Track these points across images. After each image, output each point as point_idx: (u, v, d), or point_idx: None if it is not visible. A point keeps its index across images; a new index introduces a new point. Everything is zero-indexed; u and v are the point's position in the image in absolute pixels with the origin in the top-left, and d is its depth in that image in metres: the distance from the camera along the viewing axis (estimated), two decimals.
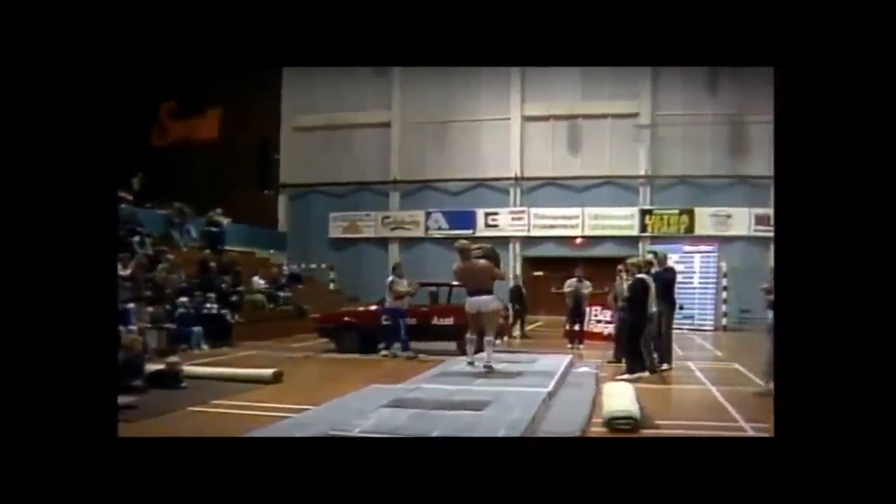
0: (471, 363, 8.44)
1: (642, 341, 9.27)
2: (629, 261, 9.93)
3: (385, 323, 12.06)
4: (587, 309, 14.47)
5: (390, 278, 12.34)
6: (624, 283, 10.21)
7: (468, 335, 8.67)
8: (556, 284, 16.32)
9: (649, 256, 10.68)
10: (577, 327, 14.19)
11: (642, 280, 9.29)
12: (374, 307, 13.45)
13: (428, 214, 24.33)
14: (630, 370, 9.13)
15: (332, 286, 23.70)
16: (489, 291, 8.45)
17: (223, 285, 15.64)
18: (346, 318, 13.37)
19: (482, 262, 8.56)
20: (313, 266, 23.65)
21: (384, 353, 11.78)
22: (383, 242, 24.86)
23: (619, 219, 22.76)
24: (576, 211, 23.04)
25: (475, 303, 8.40)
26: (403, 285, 12.13)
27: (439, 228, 24.14)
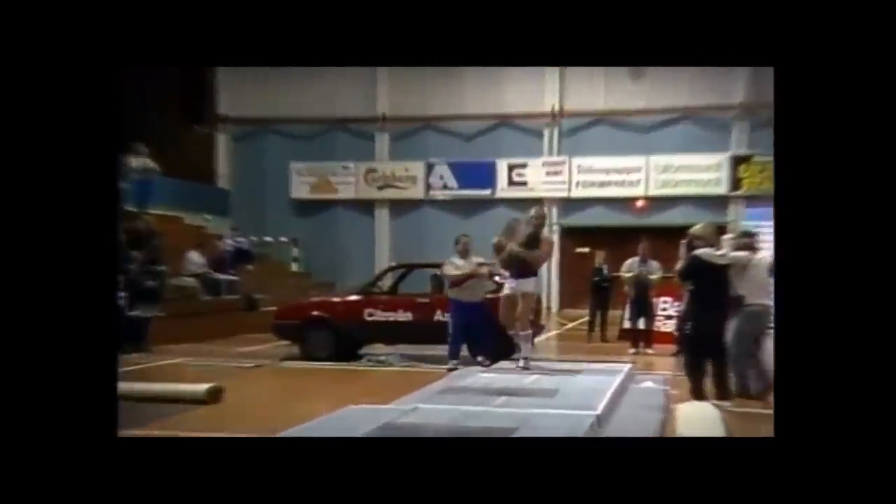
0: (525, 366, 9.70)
1: (730, 355, 9.04)
2: (693, 230, 9.54)
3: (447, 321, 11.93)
4: (654, 300, 14.58)
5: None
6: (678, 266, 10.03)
7: (521, 332, 9.94)
8: (610, 266, 16.08)
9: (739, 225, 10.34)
10: (640, 325, 14.52)
11: (696, 260, 8.97)
12: (355, 297, 13.84)
13: (430, 167, 24.61)
14: (720, 396, 8.83)
15: (294, 267, 24.21)
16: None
17: (133, 265, 15.53)
18: (316, 313, 13.64)
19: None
20: (268, 239, 23.65)
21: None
22: (367, 206, 24.96)
23: (700, 171, 22.77)
24: (638, 161, 23.18)
25: (528, 284, 10.06)
26: (456, 266, 11.81)
27: (445, 187, 24.39)
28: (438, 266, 13.01)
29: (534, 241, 9.94)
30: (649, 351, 14.00)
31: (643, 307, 14.49)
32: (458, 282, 11.76)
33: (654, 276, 14.43)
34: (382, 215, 25.16)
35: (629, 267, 14.59)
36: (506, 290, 10.04)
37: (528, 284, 9.91)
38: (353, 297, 13.92)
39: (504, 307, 9.96)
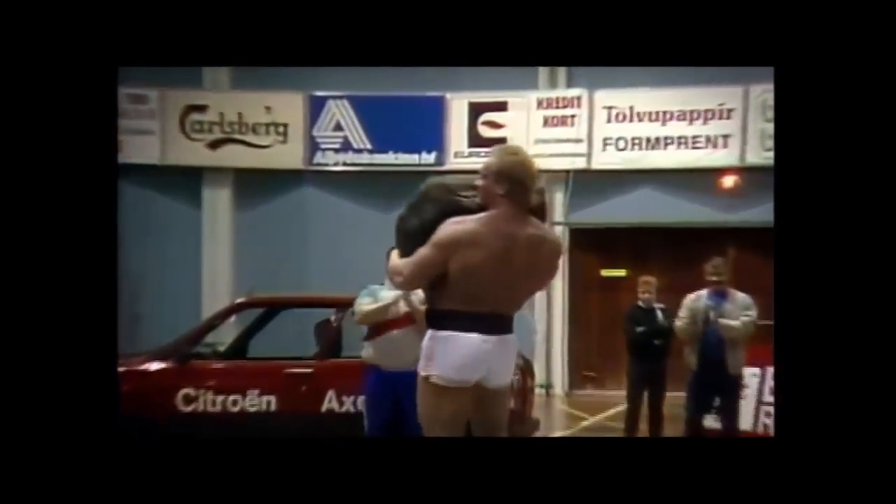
0: None
1: None
2: None
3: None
4: (743, 371, 9.95)
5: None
6: None
7: None
8: (668, 305, 10.85)
9: None
10: (713, 419, 10.49)
11: None
12: (159, 363, 9.90)
13: (319, 105, 16.56)
14: None
15: None
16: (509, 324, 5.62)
17: None
18: None
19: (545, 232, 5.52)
20: None
21: None
22: (189, 181, 17.01)
23: None
24: (725, 95, 15.21)
25: (486, 356, 5.04)
26: (380, 300, 8.38)
27: (347, 147, 16.35)
28: (332, 305, 9.85)
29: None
30: None
31: (719, 383, 9.68)
32: (383, 328, 8.20)
33: (735, 324, 9.36)
34: (218, 200, 16.86)
35: (691, 307, 9.73)
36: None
37: (505, 352, 5.22)
38: (157, 365, 9.80)
39: (423, 405, 5.21)
